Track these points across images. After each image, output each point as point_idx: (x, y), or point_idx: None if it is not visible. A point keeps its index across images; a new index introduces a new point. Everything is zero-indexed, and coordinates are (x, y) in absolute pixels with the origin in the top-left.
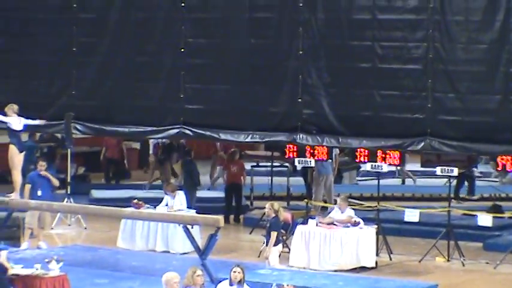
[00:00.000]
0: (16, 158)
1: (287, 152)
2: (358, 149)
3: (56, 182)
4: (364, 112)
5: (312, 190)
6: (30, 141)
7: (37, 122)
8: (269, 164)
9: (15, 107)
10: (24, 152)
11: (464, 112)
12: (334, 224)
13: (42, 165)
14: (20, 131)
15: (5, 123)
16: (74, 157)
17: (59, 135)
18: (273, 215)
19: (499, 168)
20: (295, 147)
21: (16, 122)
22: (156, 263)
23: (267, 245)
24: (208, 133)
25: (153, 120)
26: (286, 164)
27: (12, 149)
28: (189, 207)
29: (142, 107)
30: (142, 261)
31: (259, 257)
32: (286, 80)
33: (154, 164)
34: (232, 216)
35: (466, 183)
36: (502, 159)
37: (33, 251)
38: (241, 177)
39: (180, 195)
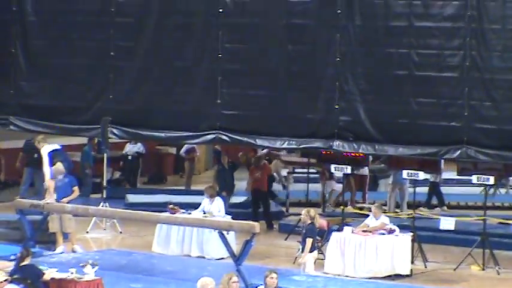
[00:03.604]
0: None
1: None
2: None
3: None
4: (400, 119)
5: (353, 196)
6: (88, 146)
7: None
8: (305, 170)
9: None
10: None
11: (501, 120)
12: (370, 232)
13: (59, 165)
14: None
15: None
16: (110, 162)
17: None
18: (309, 221)
19: None
20: None
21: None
22: (190, 268)
23: (302, 252)
24: (244, 139)
25: (190, 125)
26: (319, 171)
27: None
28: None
29: (178, 112)
30: (177, 266)
31: (294, 263)
32: (323, 87)
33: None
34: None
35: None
36: None
37: (68, 255)
38: (266, 184)
39: (218, 201)
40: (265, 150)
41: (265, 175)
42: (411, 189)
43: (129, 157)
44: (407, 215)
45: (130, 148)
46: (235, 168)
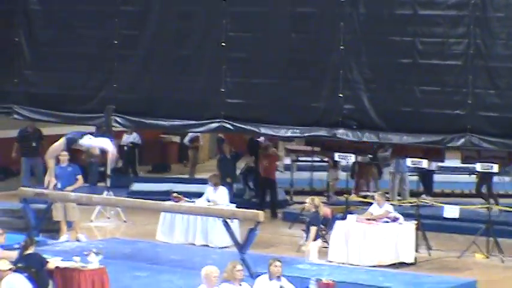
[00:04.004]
0: None
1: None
2: None
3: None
4: (404, 108)
5: (357, 185)
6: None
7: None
8: (309, 158)
9: None
10: None
11: (504, 108)
12: (374, 220)
13: (63, 155)
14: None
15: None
16: None
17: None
18: (313, 209)
19: None
20: None
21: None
22: (195, 256)
23: (306, 240)
24: (248, 127)
25: (194, 114)
26: (326, 159)
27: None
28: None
29: (182, 101)
30: (182, 254)
31: (298, 251)
32: (327, 75)
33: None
34: (268, 212)
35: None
36: None
37: (73, 244)
38: (274, 172)
39: (222, 190)
40: (261, 139)
41: (273, 163)
42: (413, 178)
43: (125, 147)
44: (411, 202)
45: (126, 139)
46: (238, 157)
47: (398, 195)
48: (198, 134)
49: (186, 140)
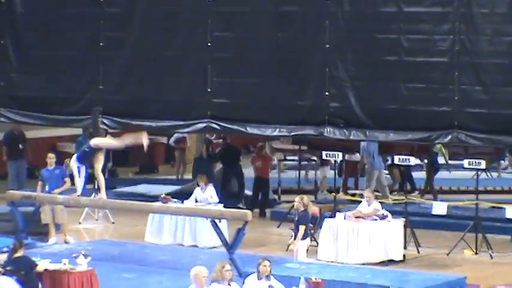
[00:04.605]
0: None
1: None
2: None
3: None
4: (390, 105)
5: (345, 183)
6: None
7: None
8: (296, 157)
9: None
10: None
11: (491, 104)
12: (362, 217)
13: (51, 157)
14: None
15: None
16: None
17: None
18: (302, 208)
19: None
20: None
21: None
22: (183, 257)
23: (295, 239)
24: (235, 127)
25: (180, 114)
26: (314, 158)
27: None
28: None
29: (169, 101)
30: (170, 255)
31: (287, 250)
32: (313, 74)
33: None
34: (257, 211)
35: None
36: None
37: (61, 246)
38: (268, 172)
39: (210, 189)
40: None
41: (267, 164)
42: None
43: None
44: (398, 200)
45: None
46: (214, 158)
47: (377, 192)
48: (185, 134)
49: (172, 140)
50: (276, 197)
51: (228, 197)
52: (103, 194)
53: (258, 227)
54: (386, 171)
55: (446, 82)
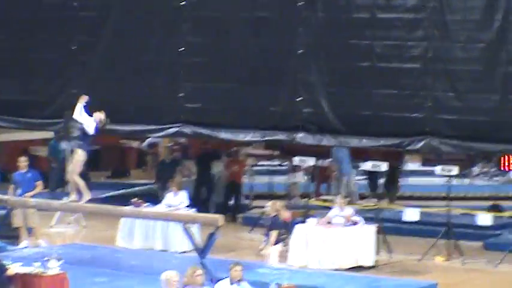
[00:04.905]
0: (80, 164)
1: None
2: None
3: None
4: (363, 111)
5: (317, 188)
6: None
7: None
8: (268, 163)
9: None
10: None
11: (464, 111)
12: (332, 223)
13: (23, 161)
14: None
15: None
16: None
17: None
18: (274, 213)
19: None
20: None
21: (92, 126)
22: (155, 261)
23: (266, 244)
24: (208, 132)
25: (153, 119)
26: (286, 163)
27: (80, 155)
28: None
29: (141, 106)
30: (142, 259)
31: (258, 255)
32: (286, 79)
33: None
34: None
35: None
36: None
37: (32, 250)
38: (241, 177)
39: (182, 193)
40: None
41: (241, 168)
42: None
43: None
44: (369, 206)
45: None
46: (177, 162)
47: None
48: (158, 139)
49: (144, 145)
50: (248, 202)
51: (199, 202)
52: (88, 195)
53: (229, 232)
54: (363, 177)
55: (419, 88)
